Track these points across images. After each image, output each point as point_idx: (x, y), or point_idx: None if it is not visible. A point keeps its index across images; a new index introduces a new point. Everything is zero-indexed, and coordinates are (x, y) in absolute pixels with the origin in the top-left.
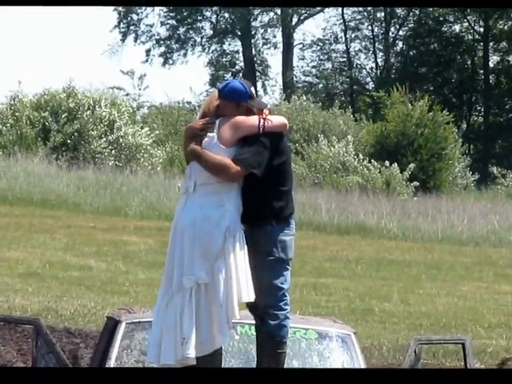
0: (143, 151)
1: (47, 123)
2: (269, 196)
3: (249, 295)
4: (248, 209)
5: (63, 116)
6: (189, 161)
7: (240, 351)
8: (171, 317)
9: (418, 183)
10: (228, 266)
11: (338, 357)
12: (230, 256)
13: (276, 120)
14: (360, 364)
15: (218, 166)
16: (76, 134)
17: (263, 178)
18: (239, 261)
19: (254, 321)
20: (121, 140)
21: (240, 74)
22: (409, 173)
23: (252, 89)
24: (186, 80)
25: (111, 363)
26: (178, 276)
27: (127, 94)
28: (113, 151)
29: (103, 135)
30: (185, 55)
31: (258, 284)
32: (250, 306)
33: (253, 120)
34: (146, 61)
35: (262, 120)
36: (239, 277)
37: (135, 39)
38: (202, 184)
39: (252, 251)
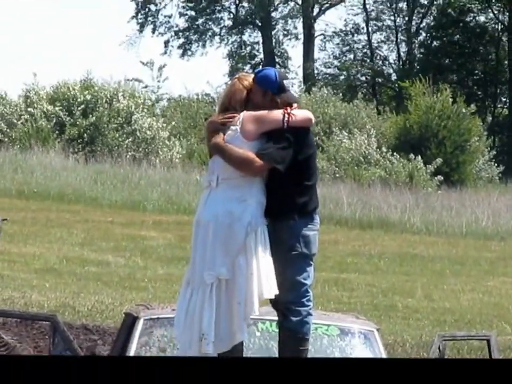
0: (160, 144)
1: (60, 117)
2: (293, 191)
3: (271, 292)
4: (272, 203)
5: (78, 108)
6: (212, 155)
7: (261, 347)
8: (190, 312)
9: (442, 177)
10: (249, 262)
11: (361, 354)
12: (251, 251)
13: (301, 114)
14: None
15: (241, 159)
16: (92, 127)
17: (287, 173)
18: (261, 256)
19: (275, 318)
20: (138, 132)
21: (260, 66)
22: (435, 166)
23: (285, 82)
24: (205, 72)
25: None
26: (199, 271)
27: (146, 86)
28: (130, 143)
29: (119, 128)
30: (204, 46)
31: (281, 280)
32: (273, 302)
33: (277, 114)
34: (165, 52)
35: (286, 115)
36: (260, 273)
37: (153, 30)
38: (225, 178)
39: (275, 246)
